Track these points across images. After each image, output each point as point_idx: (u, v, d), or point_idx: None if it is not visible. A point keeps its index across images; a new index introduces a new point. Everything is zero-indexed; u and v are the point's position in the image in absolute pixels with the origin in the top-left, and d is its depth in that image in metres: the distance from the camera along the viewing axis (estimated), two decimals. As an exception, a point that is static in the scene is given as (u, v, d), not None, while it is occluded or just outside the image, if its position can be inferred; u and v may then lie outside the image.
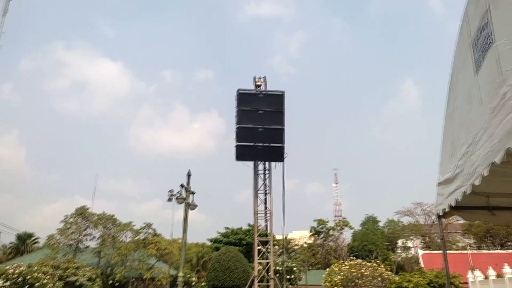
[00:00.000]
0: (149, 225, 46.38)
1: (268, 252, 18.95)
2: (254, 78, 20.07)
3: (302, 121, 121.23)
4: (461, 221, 38.03)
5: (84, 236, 42.33)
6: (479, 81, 4.29)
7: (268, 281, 19.05)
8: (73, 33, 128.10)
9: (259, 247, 18.76)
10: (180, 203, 19.75)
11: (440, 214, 6.40)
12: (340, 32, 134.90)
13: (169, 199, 20.26)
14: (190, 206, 20.17)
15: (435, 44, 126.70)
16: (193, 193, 20.64)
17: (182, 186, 19.88)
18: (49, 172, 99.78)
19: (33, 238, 52.23)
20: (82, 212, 44.27)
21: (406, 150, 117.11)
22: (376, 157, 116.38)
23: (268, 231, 19.45)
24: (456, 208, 6.01)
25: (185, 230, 19.56)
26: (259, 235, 19.08)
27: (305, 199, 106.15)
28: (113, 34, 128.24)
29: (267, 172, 20.14)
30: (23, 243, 51.40)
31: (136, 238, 43.56)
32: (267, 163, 20.25)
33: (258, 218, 19.41)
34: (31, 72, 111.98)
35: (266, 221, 19.41)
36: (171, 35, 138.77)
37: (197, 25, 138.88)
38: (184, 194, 19.83)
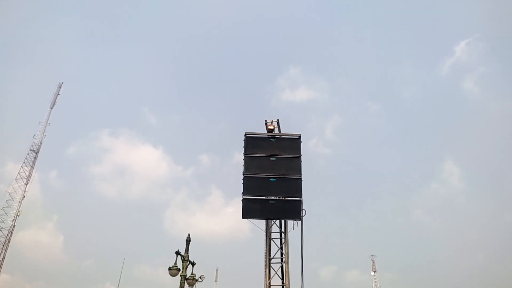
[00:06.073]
0: (167, 315, 41.14)
1: None
2: (266, 122, 17.02)
3: (339, 202, 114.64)
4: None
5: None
6: None
7: None
8: (118, 121, 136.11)
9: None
10: (174, 275, 15.65)
11: None
12: (376, 115, 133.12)
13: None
14: (188, 280, 15.99)
15: (473, 124, 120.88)
16: (192, 264, 16.58)
17: (177, 253, 16.00)
18: (84, 258, 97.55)
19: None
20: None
21: (453, 233, 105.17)
22: (420, 241, 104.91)
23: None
24: None
25: (178, 313, 15.15)
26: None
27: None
28: (155, 122, 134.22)
29: (283, 234, 15.91)
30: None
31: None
32: (282, 223, 16.11)
33: (272, 296, 14.74)
34: (76, 159, 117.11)
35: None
36: (209, 122, 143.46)
37: (232, 111, 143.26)
38: (179, 264, 15.88)
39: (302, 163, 15.80)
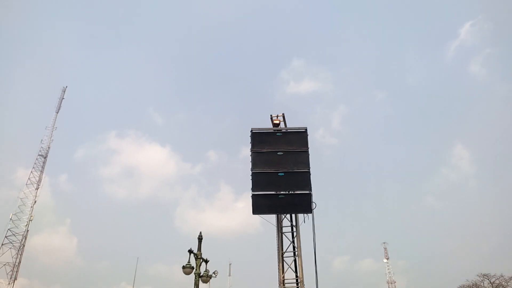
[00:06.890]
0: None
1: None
2: (271, 117, 17.00)
3: (349, 192, 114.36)
4: None
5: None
6: None
7: None
8: (125, 122, 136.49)
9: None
10: (188, 273, 15.79)
11: None
12: (383, 103, 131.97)
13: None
14: (202, 277, 16.11)
15: (481, 106, 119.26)
16: (206, 261, 16.71)
17: (190, 251, 16.11)
18: (98, 260, 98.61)
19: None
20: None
21: (465, 218, 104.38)
22: (432, 227, 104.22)
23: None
24: None
25: (194, 310, 15.30)
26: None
27: (359, 277, 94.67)
28: (161, 121, 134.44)
29: (294, 228, 15.95)
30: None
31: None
32: (293, 217, 16.15)
33: (286, 289, 14.82)
34: (84, 162, 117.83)
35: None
36: (214, 118, 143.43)
37: (237, 106, 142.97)
38: (193, 263, 16.00)
39: (309, 156, 15.80)
